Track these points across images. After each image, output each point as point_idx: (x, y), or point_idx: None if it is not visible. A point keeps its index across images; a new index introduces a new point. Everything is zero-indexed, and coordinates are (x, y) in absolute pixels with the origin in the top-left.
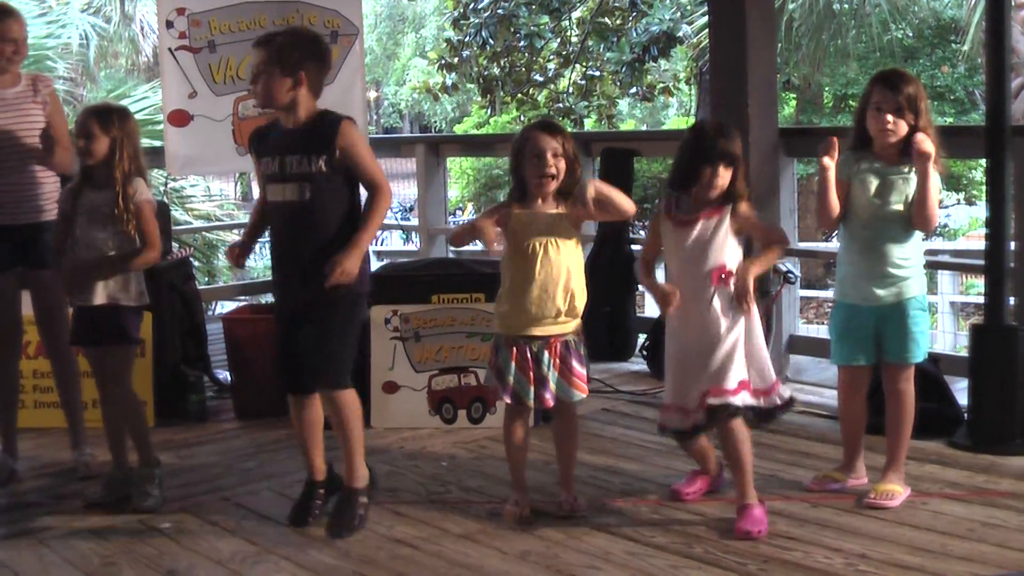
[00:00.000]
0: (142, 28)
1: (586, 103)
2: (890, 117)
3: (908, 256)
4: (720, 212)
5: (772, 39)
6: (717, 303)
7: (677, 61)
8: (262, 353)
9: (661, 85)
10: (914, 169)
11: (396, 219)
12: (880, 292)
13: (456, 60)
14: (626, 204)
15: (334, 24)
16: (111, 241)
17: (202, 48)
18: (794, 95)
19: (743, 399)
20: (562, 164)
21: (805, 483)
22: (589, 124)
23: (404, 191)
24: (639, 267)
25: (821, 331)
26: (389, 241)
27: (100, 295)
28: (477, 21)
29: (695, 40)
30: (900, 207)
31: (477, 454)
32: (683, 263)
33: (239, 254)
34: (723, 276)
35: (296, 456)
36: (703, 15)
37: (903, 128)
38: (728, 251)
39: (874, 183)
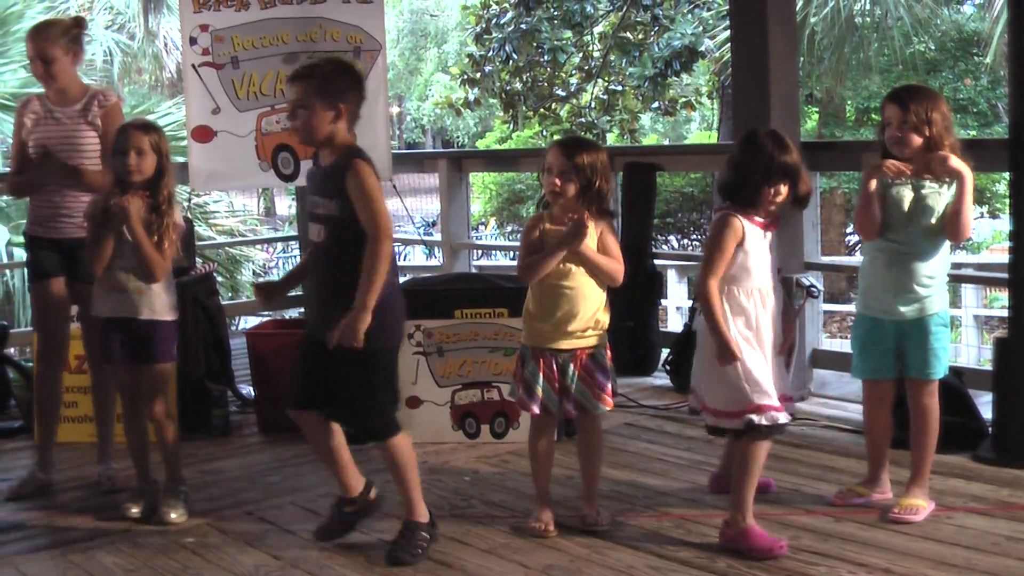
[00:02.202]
0: (165, 44)
1: (608, 118)
2: (898, 133)
3: (934, 273)
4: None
5: (794, 53)
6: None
7: (699, 75)
8: (286, 368)
9: (683, 99)
10: (949, 183)
11: (419, 234)
12: (903, 308)
13: (478, 75)
14: (612, 270)
15: (357, 40)
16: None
17: (225, 64)
18: (816, 109)
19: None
20: (570, 186)
21: (828, 497)
22: (611, 139)
23: (426, 206)
24: (715, 295)
25: (844, 345)
26: (412, 256)
27: (143, 311)
28: (500, 36)
29: (717, 54)
30: (932, 222)
31: (500, 469)
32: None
33: (266, 294)
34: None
35: (320, 470)
36: (725, 29)
37: (914, 141)
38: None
39: (908, 198)
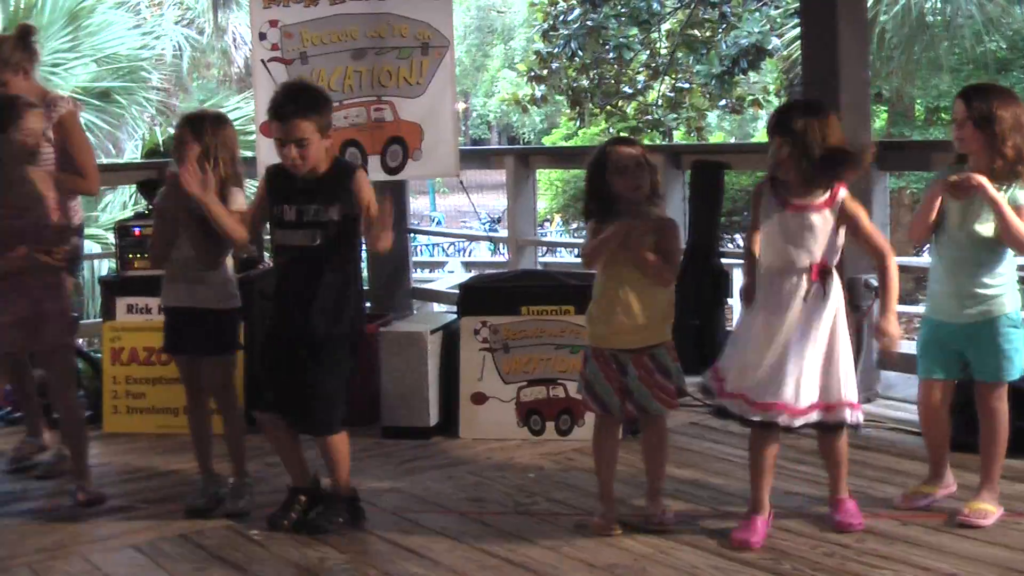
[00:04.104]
0: (234, 40)
1: (675, 115)
2: (958, 129)
3: (997, 276)
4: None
5: (864, 51)
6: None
7: (766, 73)
8: None
9: (751, 98)
10: (1005, 187)
11: (484, 230)
12: (968, 311)
13: (545, 72)
14: (663, 274)
15: (425, 36)
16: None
17: (294, 60)
18: (885, 108)
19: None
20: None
21: (895, 500)
22: (678, 136)
23: (492, 202)
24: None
25: (912, 347)
26: (477, 252)
27: (201, 299)
28: (567, 33)
29: (785, 53)
30: (990, 227)
31: (564, 466)
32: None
33: None
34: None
35: (385, 465)
36: (793, 27)
37: (974, 139)
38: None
39: (959, 204)
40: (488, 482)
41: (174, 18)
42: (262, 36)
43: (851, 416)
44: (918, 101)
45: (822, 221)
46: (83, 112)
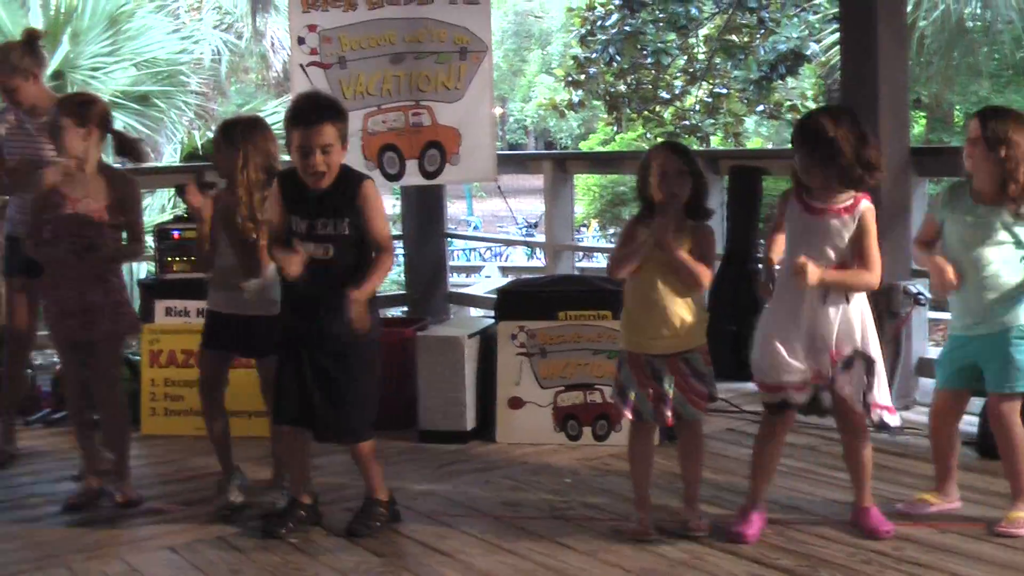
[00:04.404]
0: (272, 44)
1: (712, 120)
2: (968, 146)
3: (1006, 288)
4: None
5: (903, 57)
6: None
7: (804, 79)
8: (386, 366)
9: (788, 103)
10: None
11: (521, 234)
12: (979, 324)
13: (583, 77)
14: (695, 273)
15: (463, 41)
16: (227, 251)
17: (333, 64)
18: (924, 113)
19: None
20: (684, 183)
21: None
22: (715, 141)
23: (529, 207)
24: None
25: None
26: (513, 256)
27: (239, 306)
28: (604, 38)
29: (823, 58)
30: (986, 245)
31: (601, 471)
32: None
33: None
34: None
35: (421, 469)
36: (832, 33)
37: (984, 160)
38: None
39: (967, 224)
40: (524, 487)
41: (213, 22)
42: (301, 40)
43: (890, 419)
44: (957, 107)
45: (841, 226)
46: (122, 115)
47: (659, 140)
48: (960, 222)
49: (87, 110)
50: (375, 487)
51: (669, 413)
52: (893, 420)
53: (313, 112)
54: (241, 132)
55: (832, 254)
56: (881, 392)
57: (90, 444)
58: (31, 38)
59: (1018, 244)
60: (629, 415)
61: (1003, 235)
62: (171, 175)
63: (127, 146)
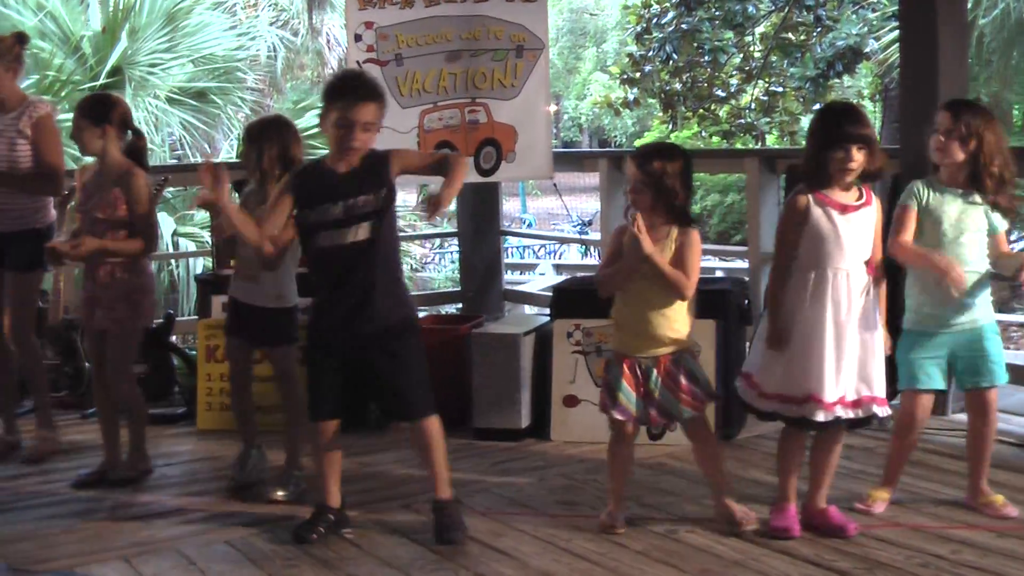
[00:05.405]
0: (328, 41)
1: (768, 119)
2: (940, 137)
3: (982, 280)
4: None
5: (964, 55)
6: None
7: (861, 77)
8: (444, 363)
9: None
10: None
11: (575, 232)
12: (958, 315)
13: (638, 75)
14: (676, 282)
15: (520, 38)
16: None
17: (389, 61)
18: None
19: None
20: (643, 196)
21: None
22: (771, 140)
23: (583, 204)
24: (774, 280)
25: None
26: (568, 254)
27: (254, 297)
28: (660, 36)
29: (881, 56)
30: (974, 236)
31: (656, 470)
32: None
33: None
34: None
35: (476, 467)
36: (890, 31)
37: (955, 152)
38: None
39: (949, 215)
40: (579, 485)
41: (269, 19)
42: (357, 38)
43: (880, 412)
44: (1016, 107)
45: (864, 219)
46: (179, 111)
47: (713, 138)
48: (942, 213)
49: (102, 110)
50: (441, 473)
51: (654, 412)
52: (882, 411)
53: (360, 88)
54: (260, 129)
55: (868, 248)
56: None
57: (110, 429)
58: (21, 40)
59: (990, 232)
60: (616, 415)
61: (984, 224)
62: (227, 171)
63: (135, 150)
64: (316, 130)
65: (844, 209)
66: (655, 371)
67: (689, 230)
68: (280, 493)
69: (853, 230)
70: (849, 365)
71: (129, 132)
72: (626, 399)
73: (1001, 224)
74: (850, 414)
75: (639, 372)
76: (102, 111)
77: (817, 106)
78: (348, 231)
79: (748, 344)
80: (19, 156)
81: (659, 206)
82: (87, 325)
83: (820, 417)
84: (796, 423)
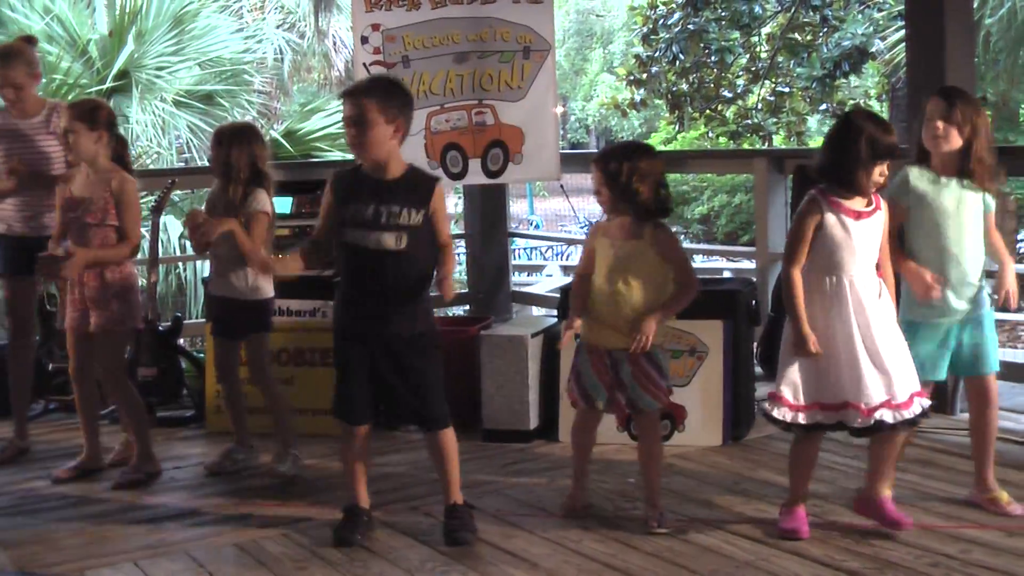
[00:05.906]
0: (335, 43)
1: (775, 119)
2: (940, 124)
3: (980, 266)
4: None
5: (970, 54)
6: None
7: (868, 77)
8: (450, 365)
9: (852, 101)
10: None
11: (583, 233)
12: (960, 302)
13: (645, 76)
14: (688, 297)
15: (526, 40)
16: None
17: (396, 63)
18: (990, 112)
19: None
20: (603, 195)
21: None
22: (778, 140)
23: (591, 206)
24: (795, 283)
25: (1015, 355)
26: (575, 255)
27: (230, 290)
28: (667, 37)
29: (888, 56)
30: (970, 224)
31: (665, 472)
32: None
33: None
34: None
35: (485, 468)
36: (896, 30)
37: (955, 138)
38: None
39: (946, 201)
40: (588, 487)
41: (276, 22)
42: (364, 40)
43: (925, 404)
44: (1023, 105)
45: (874, 225)
46: (187, 114)
47: (720, 139)
48: (941, 203)
49: (97, 114)
50: (454, 489)
51: (624, 401)
52: (926, 403)
53: (355, 87)
54: (230, 134)
55: (877, 252)
56: None
57: (90, 425)
58: (31, 42)
59: (984, 211)
60: (582, 402)
61: (980, 207)
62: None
63: (119, 155)
64: (323, 133)
65: (858, 216)
66: (625, 363)
67: (659, 224)
68: (281, 468)
69: (865, 236)
70: (880, 368)
71: (114, 137)
72: (590, 385)
73: (991, 203)
74: (898, 416)
75: (607, 361)
76: (96, 115)
77: (824, 107)
78: (377, 236)
79: (755, 345)
80: (53, 156)
81: (621, 205)
82: (74, 328)
83: (858, 423)
84: (833, 429)
